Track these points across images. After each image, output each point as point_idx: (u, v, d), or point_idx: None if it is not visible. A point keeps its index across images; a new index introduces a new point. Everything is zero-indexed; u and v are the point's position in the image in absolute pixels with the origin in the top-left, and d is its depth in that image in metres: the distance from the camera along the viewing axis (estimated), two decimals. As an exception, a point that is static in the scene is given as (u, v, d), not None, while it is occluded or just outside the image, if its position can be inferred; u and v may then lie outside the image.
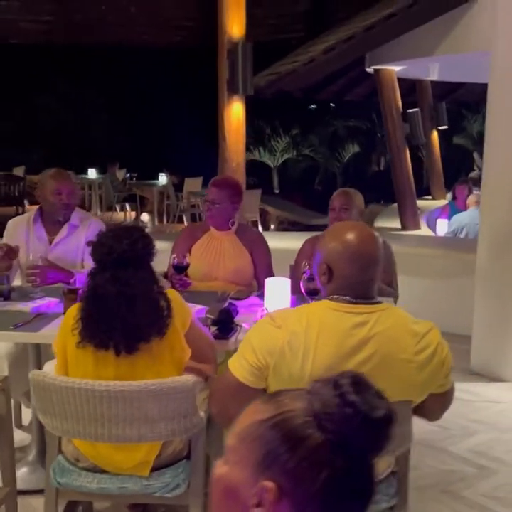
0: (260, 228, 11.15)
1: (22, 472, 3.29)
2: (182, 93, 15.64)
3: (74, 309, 2.39)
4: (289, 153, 19.17)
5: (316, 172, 19.53)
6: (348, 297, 2.04)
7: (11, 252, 3.47)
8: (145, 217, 13.04)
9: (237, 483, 0.96)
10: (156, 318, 2.31)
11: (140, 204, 13.04)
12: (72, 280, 3.30)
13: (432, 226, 8.34)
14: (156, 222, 12.60)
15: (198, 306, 3.06)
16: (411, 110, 8.41)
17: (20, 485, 3.11)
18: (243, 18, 4.76)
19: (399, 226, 8.30)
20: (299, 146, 19.32)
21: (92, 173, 14.03)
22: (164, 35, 6.44)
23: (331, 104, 19.68)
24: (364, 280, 2.05)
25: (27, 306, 3.15)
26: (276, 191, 18.04)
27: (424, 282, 5.71)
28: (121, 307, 2.26)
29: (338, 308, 2.03)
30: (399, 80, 8.08)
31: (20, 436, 3.60)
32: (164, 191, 12.82)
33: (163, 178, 13.13)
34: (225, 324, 2.79)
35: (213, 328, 2.79)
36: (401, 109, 7.92)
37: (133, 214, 13.10)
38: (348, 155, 19.51)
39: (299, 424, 0.94)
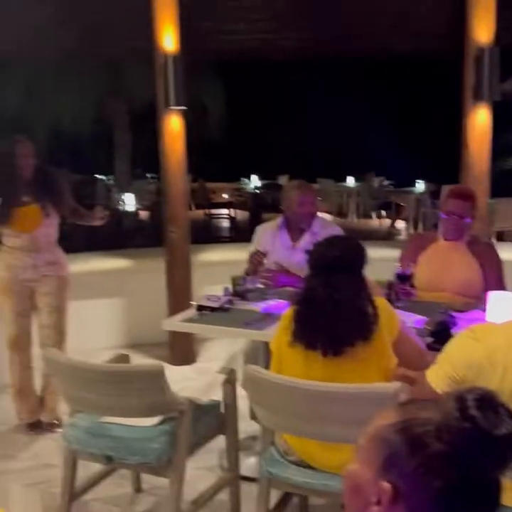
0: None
1: (252, 460, 3.53)
2: (429, 101, 15.34)
3: (290, 311, 2.56)
4: None
5: None
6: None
7: (263, 257, 3.81)
8: (400, 224, 12.99)
9: (362, 481, 1.02)
10: (361, 323, 2.37)
11: (396, 211, 13.03)
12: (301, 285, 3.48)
13: None
14: (411, 230, 12.47)
15: (417, 317, 3.05)
16: None
17: (248, 472, 3.35)
18: (492, 22, 4.60)
19: None
20: None
21: (350, 181, 14.37)
22: (416, 44, 6.42)
23: None
24: None
25: (258, 306, 3.40)
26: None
27: None
28: (328, 310, 2.36)
29: (546, 326, 1.93)
30: None
31: (254, 427, 3.86)
32: (421, 199, 12.65)
33: (420, 186, 12.98)
34: (441, 336, 2.74)
35: (430, 340, 2.77)
36: None
37: (388, 221, 13.14)
38: None
39: (420, 433, 0.97)
